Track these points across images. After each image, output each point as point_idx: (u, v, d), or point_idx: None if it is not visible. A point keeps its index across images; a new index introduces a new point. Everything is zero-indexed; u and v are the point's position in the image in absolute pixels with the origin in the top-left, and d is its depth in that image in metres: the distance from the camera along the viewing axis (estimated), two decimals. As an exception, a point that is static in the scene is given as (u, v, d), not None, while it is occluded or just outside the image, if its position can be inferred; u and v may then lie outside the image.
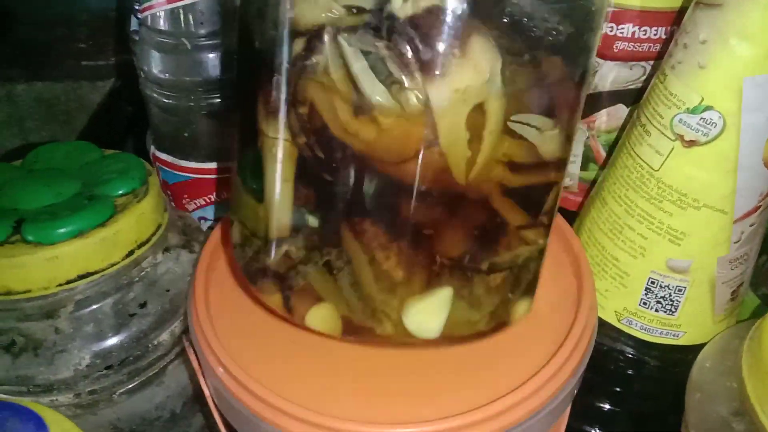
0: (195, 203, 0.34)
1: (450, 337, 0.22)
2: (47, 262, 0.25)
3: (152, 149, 0.34)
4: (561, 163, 0.22)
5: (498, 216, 0.21)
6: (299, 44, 0.19)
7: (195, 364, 0.27)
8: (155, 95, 0.32)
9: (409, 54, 0.18)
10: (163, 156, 0.33)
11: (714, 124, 0.25)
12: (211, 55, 0.31)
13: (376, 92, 0.18)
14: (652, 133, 0.27)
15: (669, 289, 0.29)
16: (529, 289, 0.24)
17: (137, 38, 0.44)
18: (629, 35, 0.32)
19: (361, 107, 0.19)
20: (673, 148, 0.27)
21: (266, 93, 0.20)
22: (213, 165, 0.33)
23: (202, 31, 0.30)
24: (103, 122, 0.49)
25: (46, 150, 0.30)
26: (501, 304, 0.23)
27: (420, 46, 0.18)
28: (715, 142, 0.26)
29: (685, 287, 0.29)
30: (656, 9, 0.31)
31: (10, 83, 0.54)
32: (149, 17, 0.30)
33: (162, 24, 0.30)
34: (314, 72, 0.19)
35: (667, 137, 0.27)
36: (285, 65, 0.19)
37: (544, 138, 0.20)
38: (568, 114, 0.21)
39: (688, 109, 0.26)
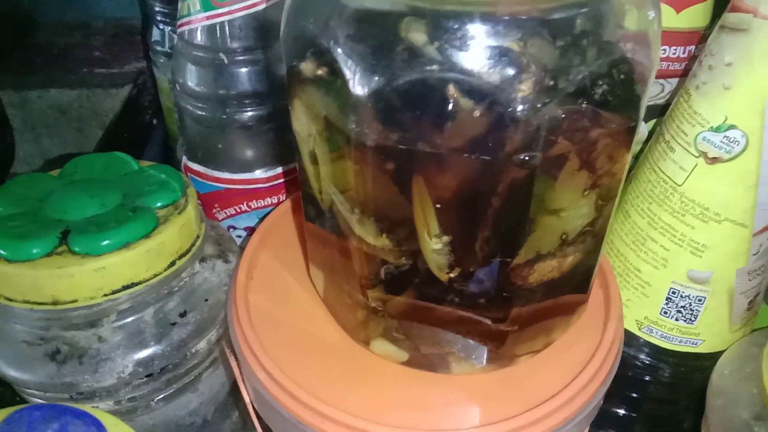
0: (225, 212, 0.34)
1: None
2: (95, 272, 0.25)
3: (184, 159, 0.34)
4: None
5: None
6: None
7: (235, 369, 0.27)
8: (189, 107, 0.32)
9: None
10: (195, 166, 0.34)
11: (737, 142, 0.27)
12: (246, 69, 0.31)
13: None
14: (676, 150, 0.29)
15: (689, 299, 0.30)
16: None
17: (158, 48, 0.45)
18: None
19: None
20: (696, 165, 0.28)
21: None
22: (244, 176, 0.33)
23: (238, 46, 0.31)
24: (119, 132, 0.49)
25: (84, 161, 0.30)
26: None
27: None
28: (738, 160, 0.27)
29: (704, 297, 0.30)
30: (675, 29, 0.32)
31: (24, 89, 0.54)
32: (186, 31, 0.31)
33: (199, 38, 0.31)
34: None
35: (691, 154, 0.28)
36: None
37: None
38: None
39: (712, 127, 0.27)
